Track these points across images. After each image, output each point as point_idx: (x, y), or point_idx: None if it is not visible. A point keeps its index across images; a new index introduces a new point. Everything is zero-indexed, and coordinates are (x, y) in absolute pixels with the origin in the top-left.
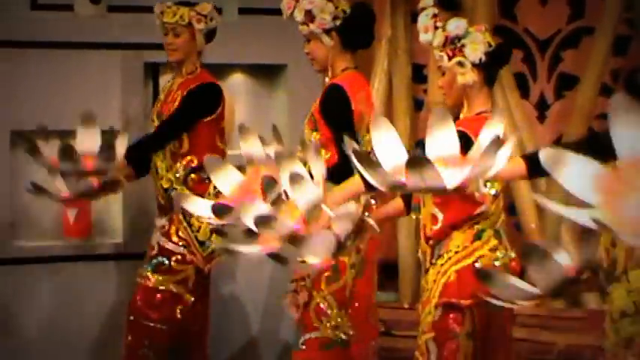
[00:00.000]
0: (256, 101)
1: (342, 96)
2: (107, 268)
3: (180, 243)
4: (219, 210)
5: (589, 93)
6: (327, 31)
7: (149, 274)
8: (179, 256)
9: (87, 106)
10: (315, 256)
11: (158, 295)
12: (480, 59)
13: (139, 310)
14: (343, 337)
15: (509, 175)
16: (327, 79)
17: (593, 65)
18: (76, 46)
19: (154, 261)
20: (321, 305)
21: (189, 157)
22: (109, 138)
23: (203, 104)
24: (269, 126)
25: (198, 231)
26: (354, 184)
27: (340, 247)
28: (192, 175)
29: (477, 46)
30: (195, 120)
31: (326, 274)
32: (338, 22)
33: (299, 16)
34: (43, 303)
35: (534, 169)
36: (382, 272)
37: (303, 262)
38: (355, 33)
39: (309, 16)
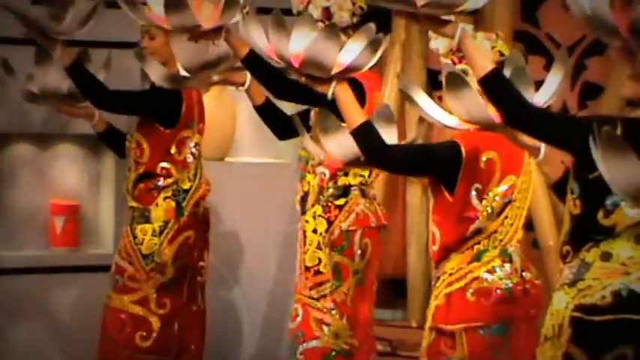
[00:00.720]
0: None
1: (358, 89)
2: (96, 279)
3: (127, 259)
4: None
5: (614, 103)
6: (344, 29)
7: (110, 293)
8: (129, 273)
9: None
10: (331, 150)
11: (118, 317)
12: None
13: (105, 332)
14: (344, 346)
15: (471, 55)
16: None
17: (619, 74)
18: (69, 44)
19: (112, 280)
20: (323, 312)
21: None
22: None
23: (157, 106)
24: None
25: (141, 244)
26: (359, 115)
27: (354, 161)
28: (140, 185)
29: None
30: (139, 109)
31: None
32: (355, 20)
33: (315, 13)
34: (27, 316)
35: (492, 79)
36: (390, 289)
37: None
38: None
39: (327, 13)
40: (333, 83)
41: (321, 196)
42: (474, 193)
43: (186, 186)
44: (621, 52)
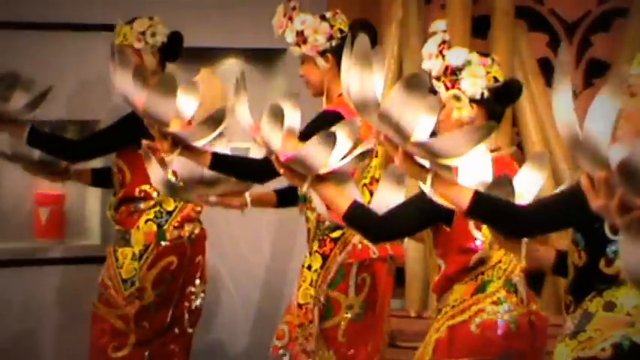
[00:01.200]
0: (253, 89)
1: (329, 123)
2: (82, 271)
3: (110, 278)
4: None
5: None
6: (322, 53)
7: (96, 302)
8: (111, 292)
9: (65, 93)
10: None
11: (100, 325)
12: (482, 94)
13: (91, 336)
14: None
15: (449, 196)
16: (324, 105)
17: (625, 51)
18: (53, 27)
19: (99, 290)
20: (310, 340)
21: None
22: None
23: (128, 135)
24: None
25: (121, 267)
26: (344, 202)
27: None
28: (122, 208)
29: (477, 80)
30: (113, 147)
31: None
32: (334, 43)
33: (290, 38)
34: (11, 310)
35: (476, 208)
36: None
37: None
38: None
39: (301, 37)
40: (308, 179)
41: (318, 231)
42: (471, 222)
43: (171, 207)
44: (601, 184)
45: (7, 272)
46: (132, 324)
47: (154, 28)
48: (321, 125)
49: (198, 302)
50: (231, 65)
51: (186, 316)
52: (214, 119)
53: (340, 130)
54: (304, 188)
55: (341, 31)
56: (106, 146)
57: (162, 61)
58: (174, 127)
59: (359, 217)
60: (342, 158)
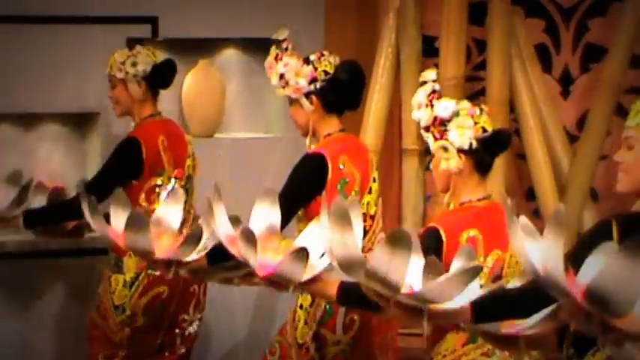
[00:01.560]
0: (251, 79)
1: (313, 166)
2: (83, 263)
3: (104, 302)
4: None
5: (618, 66)
6: (307, 95)
7: (94, 311)
8: (105, 311)
9: (63, 86)
10: None
11: (94, 332)
12: (470, 145)
13: (87, 336)
14: None
15: (448, 323)
16: (312, 145)
17: (622, 35)
18: (51, 20)
19: (97, 300)
20: None
21: None
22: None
23: (119, 169)
24: (264, 107)
25: (114, 293)
26: (332, 290)
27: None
28: None
29: (464, 130)
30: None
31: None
32: (318, 85)
33: (274, 80)
34: (11, 302)
35: (480, 317)
36: None
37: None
38: (338, 96)
39: (283, 80)
40: (291, 288)
41: None
42: None
43: None
44: (574, 312)
45: (9, 264)
46: (124, 342)
47: (135, 57)
48: (303, 172)
49: (192, 329)
50: (230, 56)
51: (178, 341)
52: (193, 237)
53: (315, 228)
54: (290, 293)
55: (326, 72)
56: (105, 191)
57: (152, 88)
58: (166, 242)
59: (352, 298)
60: (322, 255)
